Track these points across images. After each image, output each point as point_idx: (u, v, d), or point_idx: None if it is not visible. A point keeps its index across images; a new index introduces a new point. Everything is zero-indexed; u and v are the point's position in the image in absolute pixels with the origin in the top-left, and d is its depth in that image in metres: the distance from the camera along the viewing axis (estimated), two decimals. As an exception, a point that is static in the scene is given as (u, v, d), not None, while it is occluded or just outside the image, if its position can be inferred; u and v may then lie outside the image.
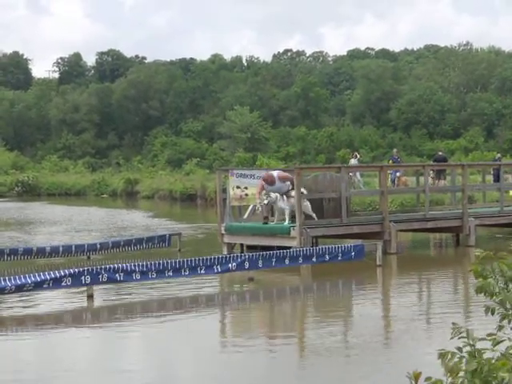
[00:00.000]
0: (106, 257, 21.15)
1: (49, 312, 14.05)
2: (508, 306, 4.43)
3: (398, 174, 36.01)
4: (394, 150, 44.00)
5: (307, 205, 19.94)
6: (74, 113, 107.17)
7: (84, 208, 49.12)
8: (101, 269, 14.90)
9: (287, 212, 19.84)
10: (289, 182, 20.00)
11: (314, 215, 20.11)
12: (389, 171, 34.59)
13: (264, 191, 20.10)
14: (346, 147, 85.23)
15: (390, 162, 39.24)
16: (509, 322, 4.42)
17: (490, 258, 4.55)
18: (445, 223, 22.72)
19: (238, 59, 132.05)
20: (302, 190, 19.97)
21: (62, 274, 14.43)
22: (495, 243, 24.38)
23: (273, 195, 19.82)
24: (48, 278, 14.25)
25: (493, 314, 4.47)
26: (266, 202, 19.88)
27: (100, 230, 30.80)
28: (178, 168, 77.13)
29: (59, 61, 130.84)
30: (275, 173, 20.54)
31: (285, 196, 19.92)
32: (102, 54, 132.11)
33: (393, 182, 36.15)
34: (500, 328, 4.39)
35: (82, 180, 73.15)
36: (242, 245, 21.81)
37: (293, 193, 19.71)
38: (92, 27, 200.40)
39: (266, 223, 20.16)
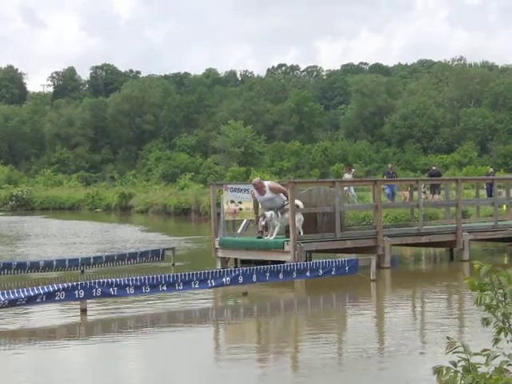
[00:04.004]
0: (99, 271, 21.09)
1: (42, 326, 13.99)
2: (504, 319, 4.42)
3: (395, 188, 36.02)
4: (389, 165, 44.07)
5: (300, 218, 19.88)
6: (68, 127, 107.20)
7: (78, 222, 49.03)
8: (94, 283, 14.86)
9: (276, 229, 19.79)
10: (282, 194, 19.91)
11: (301, 231, 19.92)
12: (383, 186, 34.63)
13: (260, 211, 20.11)
14: (340, 162, 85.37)
15: (385, 177, 39.29)
16: (505, 335, 4.41)
17: (488, 271, 4.55)
18: (439, 238, 22.72)
19: (232, 74, 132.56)
20: (299, 202, 19.92)
21: (56, 288, 14.39)
22: (489, 258, 24.38)
23: (268, 214, 19.75)
24: (41, 292, 14.20)
25: (488, 325, 4.46)
26: (263, 223, 19.86)
27: (94, 244, 30.73)
28: (173, 182, 77.10)
29: (54, 75, 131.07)
30: (266, 183, 20.44)
31: (279, 212, 19.82)
32: (96, 68, 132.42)
33: (388, 197, 36.15)
34: (496, 341, 4.39)
35: (76, 194, 72.97)
36: (235, 259, 21.79)
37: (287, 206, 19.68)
38: (87, 41, 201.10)
39: (260, 237, 20.13)
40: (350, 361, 11.04)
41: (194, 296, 16.56)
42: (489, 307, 4.44)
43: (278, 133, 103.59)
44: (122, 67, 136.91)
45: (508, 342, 4.43)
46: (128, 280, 15.25)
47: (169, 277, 15.69)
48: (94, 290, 14.72)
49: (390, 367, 10.67)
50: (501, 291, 4.47)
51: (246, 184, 22.72)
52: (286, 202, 19.75)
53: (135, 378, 10.64)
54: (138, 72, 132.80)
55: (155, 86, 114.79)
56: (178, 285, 15.65)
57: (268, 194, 19.80)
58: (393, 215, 30.56)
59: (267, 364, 11.17)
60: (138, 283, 15.23)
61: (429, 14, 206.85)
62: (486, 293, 4.45)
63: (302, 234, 19.85)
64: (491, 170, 45.32)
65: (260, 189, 19.84)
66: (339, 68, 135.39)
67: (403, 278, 20.16)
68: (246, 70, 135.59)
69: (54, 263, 21.10)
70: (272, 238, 19.71)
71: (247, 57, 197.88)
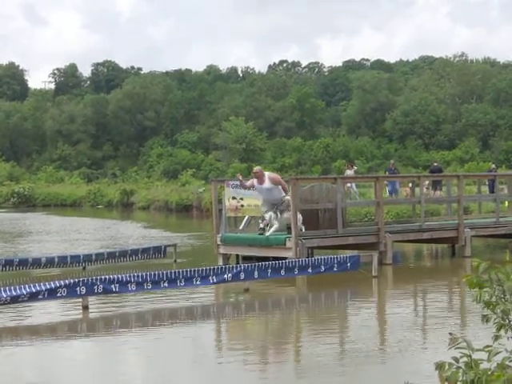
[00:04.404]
0: (101, 267, 21.09)
1: (44, 323, 14.00)
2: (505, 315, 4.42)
3: (398, 185, 35.99)
4: (391, 162, 44.01)
5: (299, 218, 19.83)
6: (69, 124, 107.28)
7: (80, 219, 49.07)
8: (96, 280, 14.86)
9: (273, 228, 19.81)
10: (280, 187, 19.88)
11: (303, 228, 19.95)
12: (385, 182, 34.61)
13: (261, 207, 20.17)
14: (341, 158, 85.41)
15: (387, 173, 39.28)
16: (505, 332, 4.42)
17: (487, 268, 4.55)
18: (440, 234, 22.73)
19: (234, 70, 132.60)
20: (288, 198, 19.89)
21: (58, 284, 14.39)
22: (491, 254, 24.39)
23: (267, 216, 19.81)
24: (43, 288, 14.22)
25: (487, 322, 4.46)
26: (261, 225, 19.97)
27: (95, 241, 30.74)
28: (174, 179, 77.15)
29: (55, 72, 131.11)
30: (266, 173, 20.55)
31: (278, 213, 19.82)
32: (97, 64, 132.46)
33: (390, 193, 36.13)
34: (496, 338, 4.39)
35: (78, 191, 73.01)
36: (237, 256, 21.79)
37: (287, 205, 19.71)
38: (88, 38, 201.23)
39: (262, 234, 20.14)
40: (351, 358, 11.04)
41: (196, 292, 16.56)
42: (488, 304, 4.44)
43: (279, 129, 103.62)
44: (124, 64, 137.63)
45: (508, 338, 4.43)
46: (130, 276, 15.26)
47: (170, 273, 15.70)
48: (95, 287, 14.73)
49: (391, 365, 10.67)
50: (500, 288, 4.47)
51: (248, 180, 22.69)
52: (284, 198, 19.76)
53: (136, 376, 10.65)
54: (140, 69, 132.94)
55: (156, 82, 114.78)
56: (180, 281, 15.66)
57: (267, 184, 19.84)
58: (394, 211, 30.56)
59: (268, 362, 11.18)
60: (140, 280, 15.24)
61: (430, 10, 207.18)
62: (485, 290, 4.45)
63: (303, 230, 19.87)
64: (493, 166, 45.27)
65: (260, 178, 19.95)
66: (341, 64, 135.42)
67: (405, 275, 20.17)
68: (248, 67, 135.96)
69: (56, 260, 21.11)
70: (268, 234, 19.77)
71: (248, 53, 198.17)
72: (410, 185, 34.86)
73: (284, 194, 19.78)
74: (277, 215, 19.79)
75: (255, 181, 20.14)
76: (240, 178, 20.66)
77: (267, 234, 19.77)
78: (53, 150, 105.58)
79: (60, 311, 15.04)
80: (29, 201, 71.30)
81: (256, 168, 21.02)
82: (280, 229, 19.92)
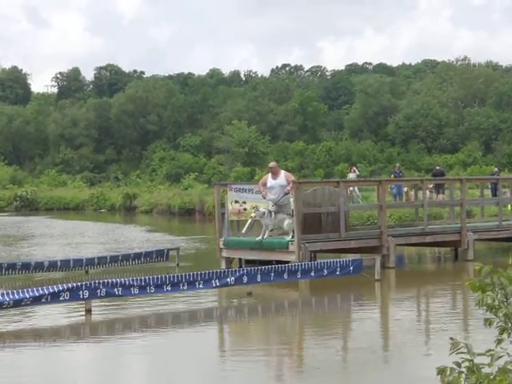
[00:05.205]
0: (104, 271, 21.10)
1: (47, 327, 14.01)
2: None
3: (404, 189, 35.98)
4: (397, 165, 44.00)
5: (291, 221, 19.72)
6: (72, 127, 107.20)
7: (82, 222, 49.08)
8: (99, 283, 14.87)
9: (268, 230, 19.75)
10: (289, 187, 19.76)
11: (291, 233, 19.82)
12: (390, 185, 34.65)
13: (263, 189, 20.02)
14: (344, 162, 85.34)
15: (392, 176, 39.29)
16: (508, 336, 4.42)
17: (489, 272, 4.55)
18: (443, 237, 22.71)
19: (236, 74, 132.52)
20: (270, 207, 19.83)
21: (60, 288, 14.41)
22: (494, 257, 24.37)
23: (261, 209, 19.73)
24: (46, 292, 14.23)
25: (490, 325, 4.47)
26: (253, 215, 19.90)
27: (98, 245, 30.75)
28: (177, 182, 77.11)
29: (58, 75, 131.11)
30: (282, 171, 20.63)
31: (273, 212, 19.73)
32: (100, 68, 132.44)
33: (395, 196, 36.15)
34: (499, 341, 4.39)
35: (81, 194, 72.99)
36: (240, 259, 21.78)
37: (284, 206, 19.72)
38: (91, 41, 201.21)
39: (272, 230, 20.07)
40: (353, 362, 11.04)
41: (199, 296, 16.57)
42: (491, 308, 4.45)
43: (282, 133, 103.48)
44: (126, 67, 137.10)
45: (511, 342, 4.43)
46: (132, 280, 15.27)
47: (173, 277, 15.71)
48: (98, 291, 14.74)
49: (394, 368, 10.67)
50: (502, 291, 4.48)
51: (250, 184, 22.71)
52: (280, 199, 19.72)
53: (139, 379, 10.65)
54: (142, 72, 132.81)
55: (159, 86, 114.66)
56: (183, 285, 15.67)
57: (281, 180, 19.83)
58: (397, 215, 30.56)
59: (271, 365, 11.18)
60: (143, 283, 15.25)
61: (432, 14, 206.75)
62: (487, 293, 4.46)
63: (290, 236, 19.71)
64: (496, 169, 45.25)
65: (275, 173, 20.02)
66: (343, 68, 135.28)
67: (407, 278, 20.16)
68: (250, 70, 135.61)
69: (59, 263, 21.11)
70: (260, 237, 19.66)
71: (251, 57, 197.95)
72: (405, 189, 34.99)
73: (284, 195, 19.72)
74: (271, 214, 19.70)
75: (269, 177, 20.12)
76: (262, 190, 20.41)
77: (264, 237, 19.65)
78: (55, 153, 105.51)
79: (63, 315, 15.04)
80: (31, 204, 71.27)
81: (272, 163, 21.06)
82: (277, 230, 19.88)
